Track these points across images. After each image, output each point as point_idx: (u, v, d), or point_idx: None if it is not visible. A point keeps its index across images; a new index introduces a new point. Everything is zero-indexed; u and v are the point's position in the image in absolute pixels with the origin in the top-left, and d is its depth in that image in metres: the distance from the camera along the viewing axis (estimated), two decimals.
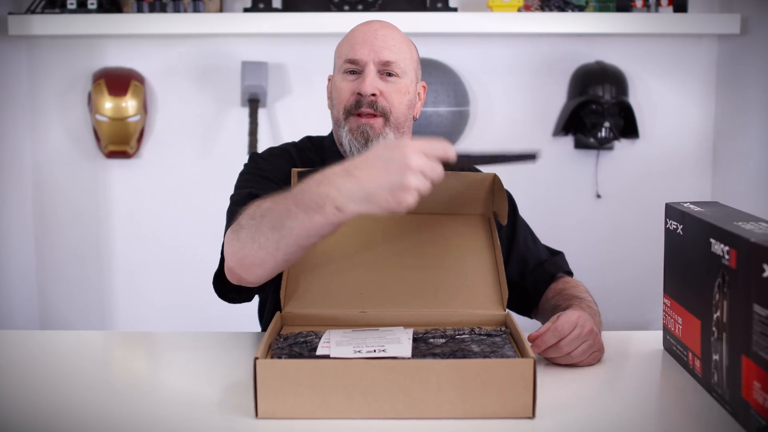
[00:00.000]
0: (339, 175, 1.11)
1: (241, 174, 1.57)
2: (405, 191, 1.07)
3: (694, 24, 2.75)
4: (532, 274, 1.58)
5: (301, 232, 1.18)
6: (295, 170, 1.40)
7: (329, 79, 1.58)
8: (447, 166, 1.14)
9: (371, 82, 1.46)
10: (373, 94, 1.46)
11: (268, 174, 1.52)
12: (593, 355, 1.28)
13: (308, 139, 1.64)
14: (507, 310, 1.32)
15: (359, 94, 1.47)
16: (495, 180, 1.44)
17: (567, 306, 1.40)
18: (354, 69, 1.48)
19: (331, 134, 1.61)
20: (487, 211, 1.44)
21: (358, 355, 1.12)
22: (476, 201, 1.45)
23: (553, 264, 1.59)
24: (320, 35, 2.71)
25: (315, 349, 1.17)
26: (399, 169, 1.07)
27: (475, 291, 1.33)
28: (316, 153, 1.60)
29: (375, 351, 1.13)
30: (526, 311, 1.60)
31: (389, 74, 1.48)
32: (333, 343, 1.16)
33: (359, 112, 1.47)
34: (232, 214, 1.38)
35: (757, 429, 1.00)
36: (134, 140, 2.85)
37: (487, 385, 1.05)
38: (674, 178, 2.97)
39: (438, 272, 1.35)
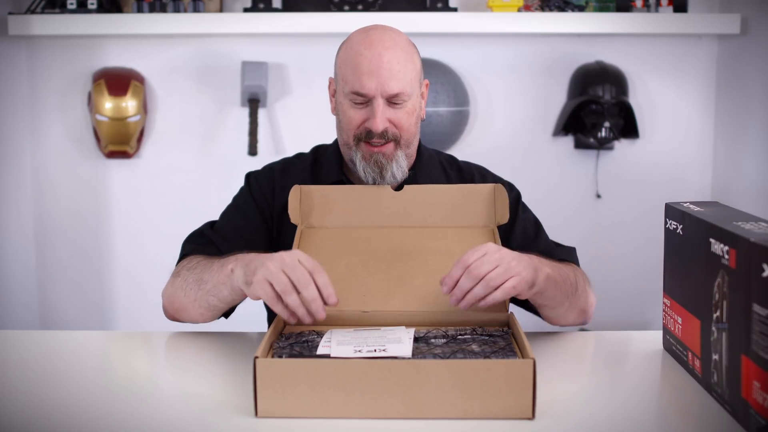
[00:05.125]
0: (253, 254, 1.30)
1: (233, 198, 1.64)
2: (255, 273, 1.22)
3: (694, 24, 2.75)
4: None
5: (210, 286, 1.36)
6: (296, 186, 1.48)
7: (330, 82, 1.59)
8: None
9: (381, 119, 1.47)
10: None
11: (248, 203, 1.59)
12: (508, 282, 1.23)
13: (315, 149, 1.67)
14: (510, 311, 1.32)
15: (369, 129, 1.48)
16: (497, 190, 1.45)
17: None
18: (361, 100, 1.48)
19: (334, 142, 1.63)
20: (489, 223, 1.45)
21: (358, 354, 1.12)
22: (479, 213, 1.46)
23: (559, 253, 1.57)
24: (320, 35, 2.71)
25: (317, 348, 1.17)
26: (270, 258, 1.22)
27: None
28: (312, 162, 1.63)
29: (375, 350, 1.13)
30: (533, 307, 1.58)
31: (396, 103, 1.49)
32: (334, 343, 1.17)
33: (370, 141, 1.49)
34: (183, 250, 1.55)
35: (757, 428, 1.00)
36: (134, 140, 2.85)
37: (487, 385, 1.05)
38: (674, 178, 2.97)
39: (441, 276, 1.35)
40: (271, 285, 1.19)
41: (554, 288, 1.35)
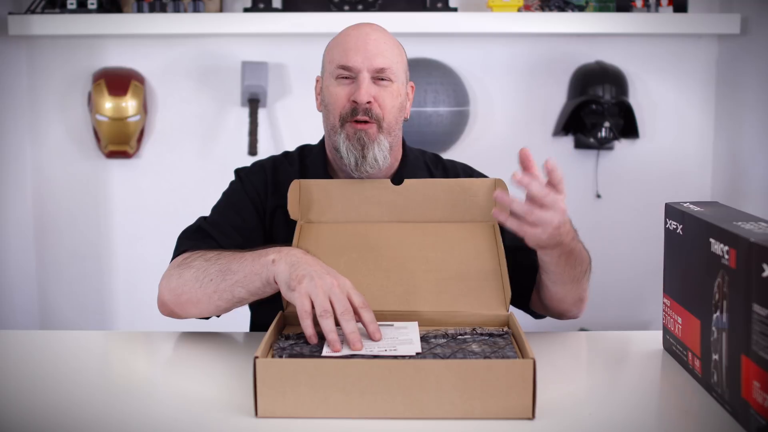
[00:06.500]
0: (299, 251, 1.29)
1: (223, 194, 1.63)
2: (301, 282, 1.20)
3: (694, 24, 2.75)
4: (527, 256, 1.52)
5: (240, 276, 1.31)
6: (296, 181, 1.48)
7: (317, 80, 1.60)
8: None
9: (366, 90, 1.48)
10: (368, 102, 1.48)
11: (242, 199, 1.58)
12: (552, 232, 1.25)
13: (300, 149, 1.67)
14: (510, 311, 1.32)
15: (354, 101, 1.48)
16: (498, 185, 1.46)
17: None
18: (348, 75, 1.50)
19: (319, 143, 1.63)
20: (490, 218, 1.45)
21: (368, 353, 1.13)
22: (480, 208, 1.46)
23: None
24: (320, 35, 2.70)
25: (318, 349, 1.17)
26: (321, 274, 1.21)
27: (478, 292, 1.33)
28: (299, 164, 1.63)
29: (386, 350, 1.14)
30: (524, 301, 1.57)
31: (381, 79, 1.50)
32: (345, 351, 1.16)
33: (355, 119, 1.49)
34: (180, 246, 1.51)
35: (757, 429, 1.00)
36: (134, 140, 2.85)
37: (487, 385, 1.05)
38: (674, 178, 2.97)
39: (441, 275, 1.35)
40: (312, 302, 1.18)
41: (567, 266, 1.36)
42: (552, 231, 1.24)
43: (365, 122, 1.49)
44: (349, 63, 1.49)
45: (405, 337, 1.20)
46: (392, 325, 1.25)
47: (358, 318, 1.19)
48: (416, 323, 1.26)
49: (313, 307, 1.19)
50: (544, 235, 1.24)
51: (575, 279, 1.41)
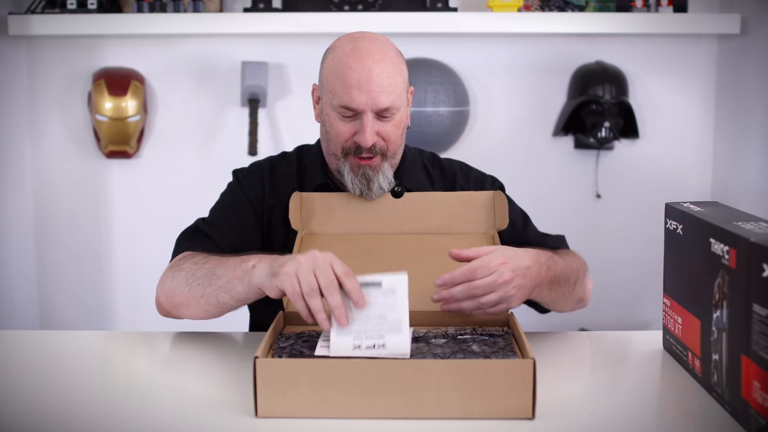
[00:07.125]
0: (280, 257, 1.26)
1: (221, 194, 1.63)
2: (284, 265, 1.19)
3: (694, 24, 2.75)
4: None
5: (223, 282, 1.32)
6: (297, 193, 1.49)
7: (314, 88, 1.57)
8: None
9: (371, 134, 1.46)
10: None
11: (240, 199, 1.58)
12: (500, 306, 1.25)
13: (298, 150, 1.67)
14: (509, 311, 1.32)
15: (358, 142, 1.47)
16: (496, 197, 1.46)
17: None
18: (351, 115, 1.47)
19: (317, 143, 1.63)
20: (489, 229, 1.46)
21: (357, 352, 1.12)
22: (478, 219, 1.47)
23: (550, 242, 1.57)
24: (320, 35, 2.71)
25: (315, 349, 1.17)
26: (303, 255, 1.20)
27: None
28: (297, 164, 1.62)
29: (375, 346, 1.13)
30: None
31: (386, 116, 1.47)
32: (333, 333, 1.15)
33: (359, 156, 1.48)
34: (179, 247, 1.51)
35: (757, 429, 1.00)
36: (134, 140, 2.85)
37: (487, 385, 1.05)
38: (674, 178, 2.97)
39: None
40: (299, 282, 1.16)
41: (552, 292, 1.36)
42: (516, 303, 1.24)
43: (369, 158, 1.48)
44: (352, 105, 1.45)
45: (393, 316, 1.16)
46: (380, 285, 1.18)
47: (342, 287, 1.16)
48: (405, 276, 1.18)
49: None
50: (509, 307, 1.24)
51: (566, 295, 1.41)
